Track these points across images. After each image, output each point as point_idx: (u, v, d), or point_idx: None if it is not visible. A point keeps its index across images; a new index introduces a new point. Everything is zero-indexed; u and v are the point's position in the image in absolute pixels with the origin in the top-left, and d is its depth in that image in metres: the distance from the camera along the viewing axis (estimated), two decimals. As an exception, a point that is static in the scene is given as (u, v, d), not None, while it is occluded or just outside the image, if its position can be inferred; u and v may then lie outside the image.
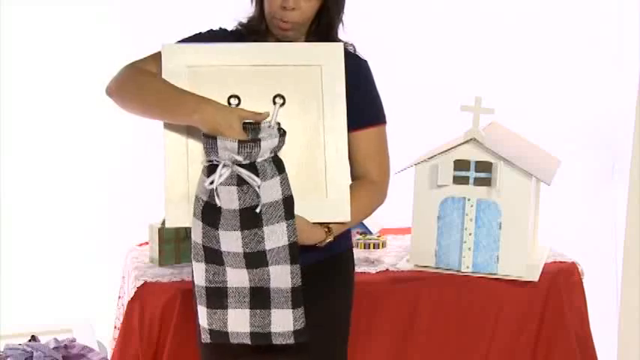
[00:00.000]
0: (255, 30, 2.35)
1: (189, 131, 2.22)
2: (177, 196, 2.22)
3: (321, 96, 2.25)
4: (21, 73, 3.69)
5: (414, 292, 2.91)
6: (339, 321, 2.46)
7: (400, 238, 3.34)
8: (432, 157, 2.94)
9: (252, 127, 2.17)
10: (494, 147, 2.89)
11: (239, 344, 2.23)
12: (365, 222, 3.00)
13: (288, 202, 2.16)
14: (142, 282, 2.83)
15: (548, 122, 3.98)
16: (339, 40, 2.35)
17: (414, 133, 3.57)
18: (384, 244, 3.21)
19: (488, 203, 2.91)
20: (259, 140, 2.11)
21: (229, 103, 2.22)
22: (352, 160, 2.36)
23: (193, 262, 2.21)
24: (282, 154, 2.18)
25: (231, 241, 2.15)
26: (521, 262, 2.92)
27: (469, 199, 2.92)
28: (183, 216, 2.22)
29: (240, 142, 2.10)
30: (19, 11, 3.65)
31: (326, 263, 2.38)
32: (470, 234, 2.93)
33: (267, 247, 2.16)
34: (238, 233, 2.14)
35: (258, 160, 2.13)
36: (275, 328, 2.20)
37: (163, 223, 2.90)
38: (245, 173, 2.12)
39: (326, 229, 2.28)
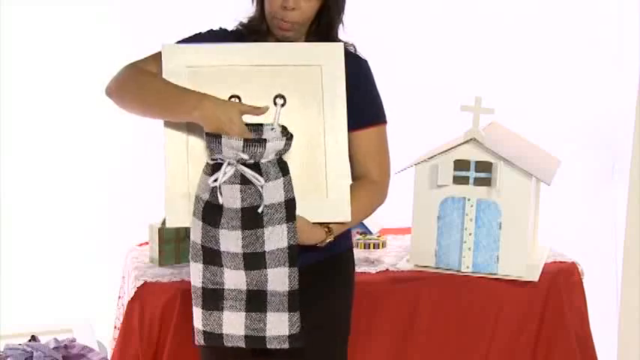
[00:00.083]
0: (255, 30, 2.35)
1: (190, 131, 2.22)
2: (178, 196, 2.22)
3: (321, 96, 2.25)
4: (21, 73, 3.69)
5: (414, 292, 2.91)
6: (339, 321, 2.46)
7: (400, 238, 3.34)
8: (432, 157, 2.94)
9: (253, 129, 2.18)
10: (494, 147, 2.89)
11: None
12: (365, 222, 3.00)
13: (290, 204, 2.16)
14: (142, 282, 2.83)
15: (548, 122, 3.98)
16: (339, 40, 2.35)
17: (414, 133, 3.57)
18: (384, 244, 3.21)
19: (488, 203, 2.91)
20: (265, 141, 2.12)
21: None
22: (352, 160, 2.36)
23: (191, 263, 2.21)
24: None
25: (231, 240, 2.15)
26: (521, 262, 2.92)
27: (469, 199, 2.92)
28: (184, 216, 2.22)
29: (245, 140, 2.11)
30: (19, 11, 3.65)
31: (326, 263, 2.38)
32: (470, 234, 2.93)
33: (267, 249, 2.16)
34: (239, 233, 2.14)
35: (263, 160, 2.14)
36: (270, 332, 2.19)
37: (163, 223, 2.90)
38: (249, 173, 2.13)
39: (326, 229, 2.28)
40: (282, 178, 2.16)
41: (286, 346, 2.20)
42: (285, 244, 2.16)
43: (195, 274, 2.21)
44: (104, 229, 3.77)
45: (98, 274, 3.70)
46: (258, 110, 2.16)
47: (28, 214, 3.77)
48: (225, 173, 2.13)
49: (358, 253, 3.05)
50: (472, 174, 2.91)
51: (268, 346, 2.20)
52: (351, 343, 2.53)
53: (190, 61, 2.22)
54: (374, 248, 3.18)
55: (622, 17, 4.00)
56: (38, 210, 3.78)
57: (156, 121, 2.26)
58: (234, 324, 2.20)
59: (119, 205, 3.77)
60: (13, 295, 3.73)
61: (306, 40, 2.36)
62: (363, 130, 2.35)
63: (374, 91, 2.40)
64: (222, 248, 2.16)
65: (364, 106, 2.35)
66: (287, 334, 2.19)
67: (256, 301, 2.19)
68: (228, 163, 2.13)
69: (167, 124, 2.23)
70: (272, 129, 2.18)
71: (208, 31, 2.40)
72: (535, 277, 2.94)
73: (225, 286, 2.20)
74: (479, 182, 2.91)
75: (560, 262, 3.06)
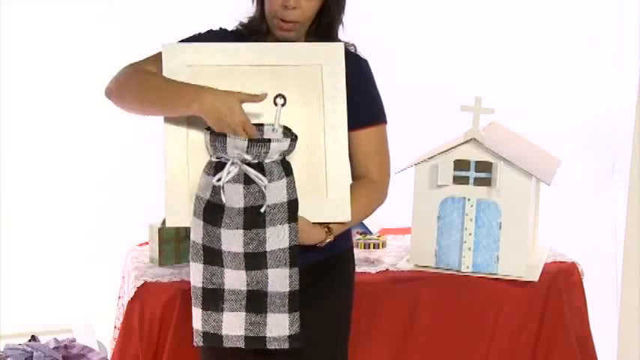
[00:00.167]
0: (255, 30, 2.35)
1: (190, 130, 2.22)
2: (178, 196, 2.22)
3: (321, 96, 2.25)
4: (21, 73, 3.69)
5: (414, 292, 2.91)
6: (339, 321, 2.46)
7: (400, 238, 3.34)
8: (432, 157, 2.94)
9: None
10: (494, 147, 2.89)
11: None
12: (365, 222, 3.00)
13: (292, 205, 2.16)
14: (142, 282, 2.83)
15: (548, 122, 3.98)
16: (339, 41, 2.35)
17: (414, 133, 3.57)
18: (384, 244, 3.21)
19: (488, 203, 2.91)
20: (269, 141, 2.12)
21: None
22: (353, 159, 2.35)
23: (191, 263, 2.21)
24: (282, 154, 2.19)
25: (232, 240, 2.15)
26: (521, 262, 2.92)
27: (469, 199, 2.92)
28: (184, 215, 2.22)
29: (250, 140, 2.11)
30: (19, 11, 3.65)
31: (326, 263, 2.38)
32: (470, 234, 2.93)
33: (268, 249, 2.16)
34: (241, 232, 2.15)
35: (267, 160, 2.15)
36: (270, 332, 2.19)
37: (163, 223, 2.90)
38: (253, 173, 2.13)
39: (326, 229, 2.28)
40: (285, 179, 2.16)
41: (286, 346, 2.20)
42: (287, 245, 2.16)
43: (195, 274, 2.21)
44: (104, 229, 3.77)
45: (98, 274, 3.70)
46: (257, 97, 2.15)
47: (28, 214, 3.77)
48: (229, 172, 2.13)
49: (358, 253, 3.05)
50: (472, 174, 2.91)
51: (268, 347, 2.20)
52: (351, 343, 2.53)
53: (190, 60, 2.23)
54: (374, 248, 3.18)
55: (622, 17, 4.00)
56: (38, 210, 3.78)
57: (156, 122, 2.26)
58: (233, 324, 2.20)
59: (119, 205, 3.77)
60: (13, 295, 3.73)
61: (305, 41, 2.36)
62: (363, 130, 2.35)
63: (374, 91, 2.39)
64: (224, 248, 2.17)
65: (364, 105, 2.35)
66: (287, 334, 2.19)
67: (256, 301, 2.19)
68: (232, 163, 2.13)
69: (167, 124, 2.23)
70: (273, 129, 2.19)
71: (208, 31, 2.40)
72: (535, 277, 2.94)
73: (225, 287, 2.20)
74: (479, 182, 2.91)
75: (560, 262, 3.06)
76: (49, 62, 3.70)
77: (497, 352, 2.94)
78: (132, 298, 2.80)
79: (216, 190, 2.15)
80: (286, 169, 2.17)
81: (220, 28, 2.41)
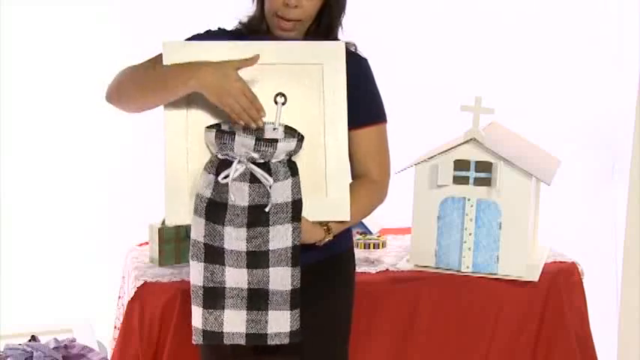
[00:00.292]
0: (255, 29, 2.35)
1: (190, 129, 2.22)
2: (178, 194, 2.22)
3: (321, 95, 2.25)
4: (21, 73, 3.69)
5: (414, 292, 2.91)
6: (340, 321, 2.46)
7: (400, 238, 3.34)
8: (432, 157, 2.94)
9: (255, 128, 2.18)
10: (494, 147, 2.89)
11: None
12: (365, 222, 3.00)
13: (296, 205, 2.17)
14: (142, 282, 2.83)
15: (548, 122, 3.98)
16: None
17: (414, 133, 3.57)
18: (384, 244, 3.21)
19: (488, 203, 2.91)
20: (276, 141, 2.13)
21: None
22: (352, 158, 2.35)
23: (191, 262, 2.21)
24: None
25: (235, 238, 2.16)
26: (521, 262, 2.92)
27: (469, 199, 2.92)
28: (184, 214, 2.22)
29: (257, 139, 2.12)
30: (19, 11, 3.65)
31: (326, 263, 2.38)
32: (470, 234, 2.93)
33: (271, 248, 2.17)
34: (244, 230, 2.15)
35: (273, 160, 2.15)
36: (271, 329, 2.20)
37: (163, 223, 2.90)
38: (259, 172, 2.14)
39: (325, 228, 2.28)
40: (290, 179, 2.17)
41: (286, 341, 2.20)
42: (290, 244, 2.17)
43: (196, 272, 2.21)
44: (104, 229, 3.77)
45: (98, 274, 3.70)
46: (251, 60, 2.15)
47: (28, 214, 3.77)
48: (236, 170, 2.13)
49: (358, 253, 3.04)
50: (472, 174, 2.91)
51: (269, 342, 2.20)
52: (351, 343, 2.53)
53: (191, 57, 2.22)
54: (374, 248, 3.18)
55: (622, 17, 4.00)
56: (38, 210, 3.78)
57: (156, 122, 2.26)
58: (235, 322, 2.21)
59: (119, 205, 3.77)
60: (13, 295, 3.73)
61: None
62: (363, 129, 2.35)
63: (374, 90, 2.39)
64: (226, 246, 2.17)
65: (364, 105, 2.35)
66: (288, 330, 2.20)
67: (257, 299, 2.19)
68: (239, 161, 2.14)
69: (168, 123, 2.23)
70: (274, 128, 2.19)
71: (206, 32, 2.39)
72: (535, 277, 2.94)
73: (227, 285, 2.20)
74: (479, 182, 2.91)
75: (560, 262, 3.06)
76: (49, 62, 3.70)
77: (497, 352, 2.94)
78: (132, 298, 2.80)
79: (217, 188, 2.16)
80: (292, 169, 2.18)
81: (219, 28, 2.41)
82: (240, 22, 2.39)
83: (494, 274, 2.94)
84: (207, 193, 2.17)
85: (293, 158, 2.20)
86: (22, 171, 3.75)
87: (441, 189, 2.94)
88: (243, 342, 2.21)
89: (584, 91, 4.05)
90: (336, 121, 2.25)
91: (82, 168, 3.78)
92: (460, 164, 2.91)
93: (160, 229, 2.96)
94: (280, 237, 2.16)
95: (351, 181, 2.34)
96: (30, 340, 3.25)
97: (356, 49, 2.40)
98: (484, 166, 2.89)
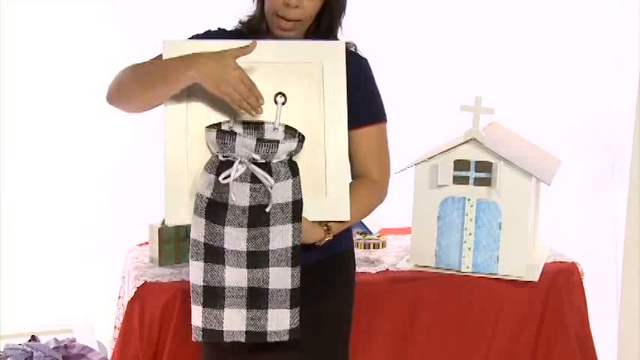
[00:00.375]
0: (255, 29, 2.35)
1: (191, 129, 2.22)
2: (178, 194, 2.22)
3: (321, 94, 2.25)
4: (21, 73, 3.69)
5: (414, 292, 2.91)
6: (340, 321, 2.46)
7: (400, 238, 3.34)
8: (432, 157, 2.94)
9: (255, 127, 2.18)
10: (494, 147, 2.89)
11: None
12: (365, 222, 3.00)
13: (297, 205, 2.17)
14: (142, 282, 2.83)
15: (548, 122, 3.98)
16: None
17: (414, 133, 3.57)
18: (384, 244, 3.21)
19: (488, 203, 2.91)
20: (278, 142, 2.13)
21: None
22: (352, 158, 2.36)
23: (191, 261, 2.21)
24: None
25: (235, 238, 2.16)
26: (521, 262, 2.92)
27: (469, 199, 2.92)
28: (184, 214, 2.22)
29: (257, 140, 2.12)
30: (19, 11, 3.65)
31: (326, 263, 2.38)
32: (470, 234, 2.93)
33: (271, 248, 2.17)
34: (245, 230, 2.15)
35: (274, 161, 2.15)
36: (271, 327, 2.21)
37: (163, 223, 2.90)
38: (259, 172, 2.14)
39: (325, 228, 2.28)
40: (291, 179, 2.17)
41: (286, 338, 2.21)
42: (290, 244, 2.17)
43: (196, 272, 2.21)
44: (104, 229, 3.77)
45: (98, 274, 3.70)
46: (248, 48, 2.15)
47: (28, 214, 3.77)
48: (237, 171, 2.13)
49: (358, 253, 3.04)
50: (472, 174, 2.91)
51: (268, 340, 2.21)
52: (351, 343, 2.53)
53: None
54: (374, 248, 3.18)
55: (622, 17, 4.01)
56: (38, 210, 3.78)
57: (155, 122, 2.26)
58: (235, 320, 2.21)
59: (119, 205, 3.77)
60: (13, 295, 3.73)
61: (304, 41, 2.36)
62: (363, 129, 2.35)
63: (374, 90, 2.40)
64: (226, 245, 2.17)
65: (364, 104, 2.35)
66: (288, 328, 2.20)
67: (257, 297, 2.20)
68: (240, 162, 2.14)
69: (167, 122, 2.23)
70: (274, 128, 2.19)
71: (206, 32, 2.40)
72: (535, 277, 2.94)
73: (226, 284, 2.20)
74: (479, 182, 2.91)
75: (560, 262, 3.06)
76: (49, 62, 3.70)
77: (497, 352, 2.94)
78: (132, 298, 2.80)
79: (218, 188, 2.16)
80: (293, 169, 2.18)
81: (219, 29, 2.41)
82: (240, 22, 2.39)
83: (494, 274, 2.94)
84: (208, 193, 2.17)
85: (293, 158, 2.20)
86: (22, 171, 3.75)
87: (441, 189, 2.94)
88: (243, 339, 2.22)
89: (584, 91, 4.05)
90: (336, 121, 2.25)
91: (82, 168, 3.78)
92: (460, 164, 2.91)
93: (160, 229, 2.96)
94: (280, 237, 2.17)
95: (351, 180, 2.34)
96: (30, 340, 3.25)
97: (356, 49, 2.40)
98: (484, 166, 2.89)
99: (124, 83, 2.26)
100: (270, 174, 2.15)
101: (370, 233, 3.13)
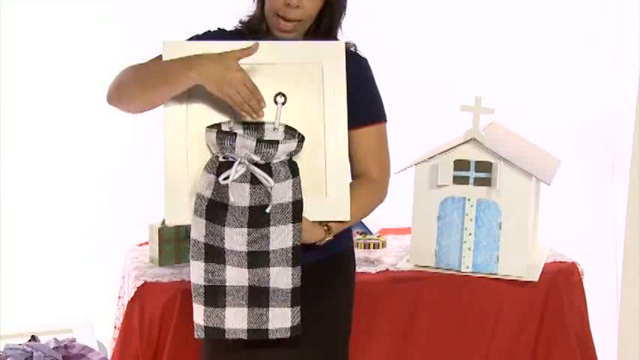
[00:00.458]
0: (255, 29, 2.35)
1: (191, 129, 2.22)
2: (178, 194, 2.22)
3: (321, 95, 2.25)
4: (21, 73, 3.69)
5: (414, 292, 2.91)
6: (340, 321, 2.46)
7: (400, 238, 3.34)
8: (432, 157, 2.94)
9: (255, 128, 2.18)
10: (494, 147, 2.89)
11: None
12: (365, 222, 3.00)
13: (297, 205, 2.17)
14: (142, 282, 2.83)
15: (548, 122, 3.99)
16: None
17: (414, 133, 3.57)
18: (384, 244, 3.21)
19: (488, 203, 2.91)
20: (277, 142, 2.13)
21: None
22: (352, 158, 2.36)
23: (191, 261, 2.21)
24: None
25: (236, 238, 2.16)
26: (521, 262, 2.92)
27: (469, 199, 2.92)
28: (184, 214, 2.22)
29: (257, 141, 2.12)
30: (19, 11, 3.65)
31: (326, 263, 2.38)
32: (470, 234, 2.93)
33: (272, 248, 2.17)
34: (245, 230, 2.15)
35: (274, 161, 2.15)
36: (273, 325, 2.21)
37: (163, 223, 2.90)
38: (259, 173, 2.14)
39: (325, 228, 2.29)
40: (291, 180, 2.17)
41: (287, 335, 2.22)
42: (290, 244, 2.17)
43: (197, 272, 2.21)
44: (104, 229, 3.77)
45: (98, 274, 3.70)
46: (250, 50, 2.15)
47: (28, 214, 3.77)
48: (236, 171, 2.14)
49: (358, 253, 3.04)
50: (472, 174, 2.91)
51: (270, 337, 2.22)
52: (351, 343, 2.53)
53: None
54: (374, 248, 3.18)
55: (622, 17, 4.01)
56: (38, 210, 3.78)
57: (155, 122, 2.26)
58: (236, 319, 2.21)
59: (119, 205, 3.77)
60: (13, 295, 3.73)
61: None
62: (363, 129, 2.35)
63: (374, 90, 2.40)
64: (227, 246, 2.17)
65: (364, 104, 2.35)
66: (289, 325, 2.21)
67: (258, 296, 2.20)
68: (240, 162, 2.14)
69: (167, 122, 2.23)
70: (274, 128, 2.19)
71: (205, 33, 2.39)
72: (535, 277, 2.94)
73: (227, 283, 2.20)
74: (479, 182, 2.91)
75: (560, 262, 3.06)
76: (49, 62, 3.70)
77: (497, 352, 2.94)
78: (132, 298, 2.80)
79: (218, 189, 2.16)
80: (293, 169, 2.18)
81: (218, 29, 2.41)
82: (240, 22, 2.39)
83: (494, 274, 2.94)
84: (208, 194, 2.17)
85: (293, 158, 2.20)
86: (22, 171, 3.75)
87: (441, 189, 2.94)
88: (244, 337, 2.22)
89: (584, 91, 4.05)
90: (336, 121, 2.25)
91: (82, 168, 3.78)
92: (460, 164, 2.91)
93: (160, 229, 2.96)
94: (281, 237, 2.17)
95: (351, 180, 2.34)
96: (30, 340, 3.26)
97: (356, 49, 2.40)
98: (484, 166, 2.89)
99: (124, 84, 2.26)
100: (270, 174, 2.15)
101: (370, 233, 3.13)
